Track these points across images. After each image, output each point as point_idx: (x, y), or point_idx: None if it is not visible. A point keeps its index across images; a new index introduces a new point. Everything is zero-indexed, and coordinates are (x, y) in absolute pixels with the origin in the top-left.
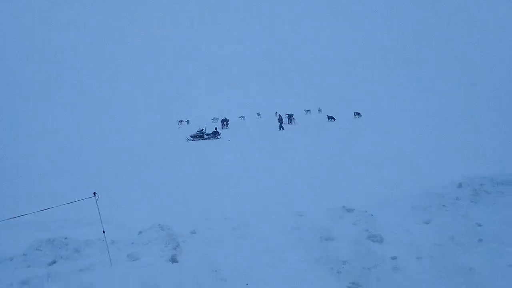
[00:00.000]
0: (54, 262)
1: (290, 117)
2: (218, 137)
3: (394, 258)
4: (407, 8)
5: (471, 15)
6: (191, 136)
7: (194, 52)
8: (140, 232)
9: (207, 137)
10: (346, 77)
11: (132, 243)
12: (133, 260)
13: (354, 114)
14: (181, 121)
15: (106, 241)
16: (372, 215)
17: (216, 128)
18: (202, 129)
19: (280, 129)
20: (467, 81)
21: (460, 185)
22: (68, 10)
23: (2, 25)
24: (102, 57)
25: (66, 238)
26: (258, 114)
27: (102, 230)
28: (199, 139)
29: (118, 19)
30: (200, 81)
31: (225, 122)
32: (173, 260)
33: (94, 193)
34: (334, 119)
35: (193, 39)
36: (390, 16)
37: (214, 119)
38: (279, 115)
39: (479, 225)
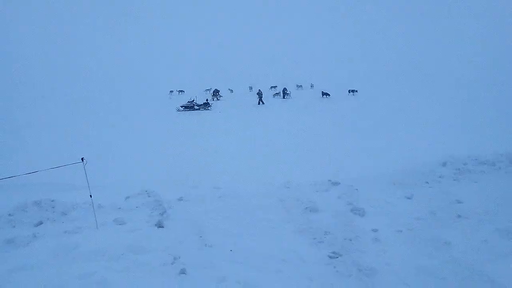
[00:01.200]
0: (40, 223)
1: (284, 91)
2: (209, 108)
3: (375, 230)
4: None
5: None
6: (181, 106)
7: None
8: (127, 198)
9: (198, 108)
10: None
11: (119, 208)
12: (120, 224)
13: (349, 91)
14: (172, 91)
15: (93, 205)
16: (356, 189)
17: (207, 100)
18: (193, 100)
19: (259, 104)
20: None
21: (444, 164)
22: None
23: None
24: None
25: (53, 200)
26: (250, 88)
27: (89, 194)
28: (190, 110)
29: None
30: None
31: (216, 93)
32: (159, 225)
33: (82, 159)
34: (329, 95)
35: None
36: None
37: (207, 90)
38: (259, 89)
39: (459, 202)
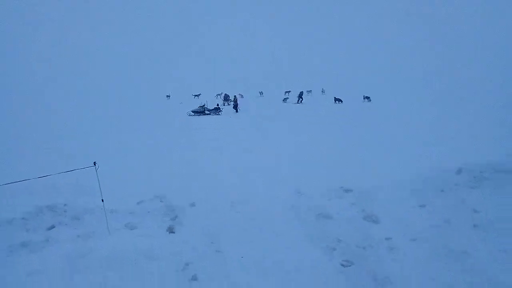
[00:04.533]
0: (53, 227)
1: (300, 95)
2: (220, 113)
3: (388, 238)
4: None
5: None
6: (192, 111)
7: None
8: (139, 203)
9: (209, 112)
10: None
11: (131, 213)
12: (131, 229)
13: (364, 98)
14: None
15: (105, 210)
16: (370, 196)
17: (218, 105)
18: (204, 105)
19: (236, 112)
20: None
21: (460, 171)
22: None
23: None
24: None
25: (65, 205)
26: (261, 93)
27: (101, 199)
28: (200, 115)
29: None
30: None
31: (227, 98)
32: (171, 230)
33: (95, 163)
34: (342, 101)
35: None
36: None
37: (218, 95)
38: (234, 96)
39: (476, 211)
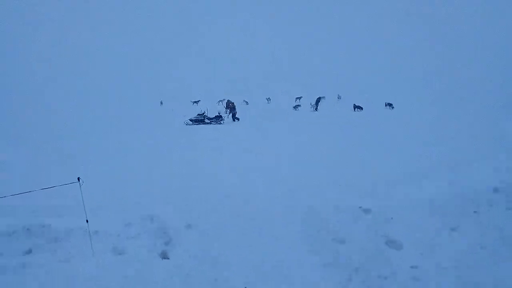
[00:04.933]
0: (30, 251)
1: (317, 101)
2: (221, 122)
3: (414, 267)
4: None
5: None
6: (190, 120)
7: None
8: (127, 223)
9: (209, 121)
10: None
11: (118, 235)
12: (119, 254)
13: (385, 105)
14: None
15: (89, 232)
16: (391, 217)
17: (219, 112)
18: (204, 113)
19: (233, 121)
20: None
21: (495, 190)
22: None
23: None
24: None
25: (43, 226)
26: (268, 99)
27: (86, 219)
28: (199, 123)
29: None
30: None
31: (230, 104)
32: (164, 256)
33: (78, 178)
34: (362, 109)
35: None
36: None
37: (220, 101)
38: (232, 102)
39: None
